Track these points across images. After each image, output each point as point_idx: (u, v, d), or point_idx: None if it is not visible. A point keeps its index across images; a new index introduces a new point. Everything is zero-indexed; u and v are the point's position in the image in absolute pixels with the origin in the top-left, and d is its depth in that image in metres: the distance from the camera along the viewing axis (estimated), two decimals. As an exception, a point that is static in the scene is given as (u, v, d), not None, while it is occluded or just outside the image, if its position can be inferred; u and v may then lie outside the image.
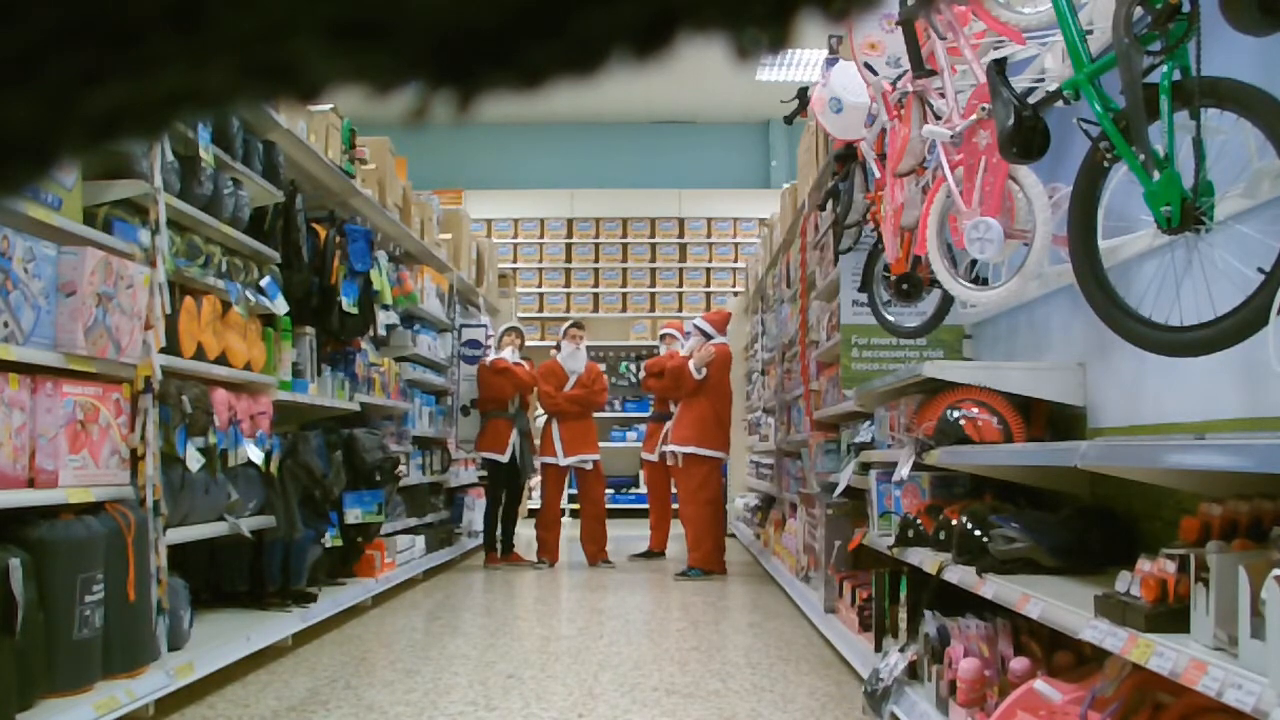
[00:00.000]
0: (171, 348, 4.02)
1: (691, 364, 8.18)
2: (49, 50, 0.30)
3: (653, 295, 14.22)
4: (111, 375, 3.55)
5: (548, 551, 8.48)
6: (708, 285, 14.24)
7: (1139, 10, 2.39)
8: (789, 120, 5.31)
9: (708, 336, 8.48)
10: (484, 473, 9.18)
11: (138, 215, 3.87)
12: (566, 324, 9.01)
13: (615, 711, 3.76)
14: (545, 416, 8.67)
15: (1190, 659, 1.82)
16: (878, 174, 4.28)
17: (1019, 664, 2.81)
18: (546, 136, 14.43)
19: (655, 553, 8.83)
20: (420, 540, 7.55)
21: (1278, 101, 2.21)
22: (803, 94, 5.06)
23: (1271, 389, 2.45)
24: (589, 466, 8.60)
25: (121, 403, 3.58)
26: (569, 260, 14.32)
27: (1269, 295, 2.18)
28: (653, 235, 14.33)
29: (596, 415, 8.96)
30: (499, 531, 8.59)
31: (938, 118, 3.58)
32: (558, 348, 8.82)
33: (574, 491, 9.20)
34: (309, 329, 5.64)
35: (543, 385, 8.57)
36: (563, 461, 8.53)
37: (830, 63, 4.51)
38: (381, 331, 6.86)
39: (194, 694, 3.88)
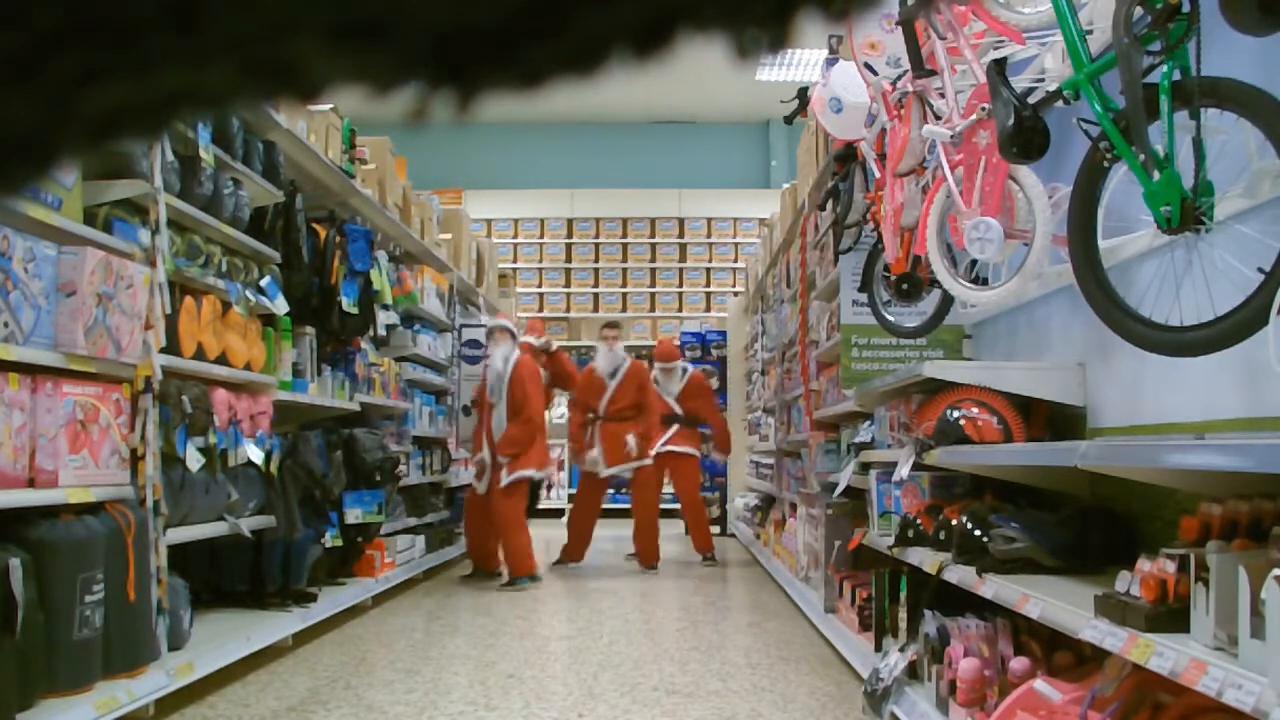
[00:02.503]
0: (171, 348, 4.02)
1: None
2: (49, 50, 0.30)
3: (653, 295, 14.22)
4: (111, 375, 3.55)
5: (571, 554, 8.21)
6: (708, 285, 14.25)
7: (1139, 10, 2.39)
8: (789, 120, 5.31)
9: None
10: None
11: (138, 215, 3.87)
12: (602, 324, 8.61)
13: (615, 711, 3.76)
14: (592, 418, 8.28)
15: (1190, 659, 1.82)
16: (878, 174, 4.28)
17: (1019, 664, 2.81)
18: (546, 136, 14.43)
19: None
20: (420, 540, 7.55)
21: (1278, 101, 2.21)
22: (803, 94, 5.06)
23: (1271, 389, 2.45)
24: (628, 475, 8.22)
25: (121, 403, 3.58)
26: (569, 260, 14.32)
27: (1269, 295, 2.18)
28: (653, 235, 14.34)
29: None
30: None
31: (938, 118, 3.58)
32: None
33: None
34: (309, 329, 5.63)
35: (575, 402, 8.18)
36: (603, 473, 8.18)
37: (830, 63, 4.51)
38: (381, 331, 6.86)
39: (194, 694, 3.88)
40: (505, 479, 7.42)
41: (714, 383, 11.26)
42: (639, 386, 8.23)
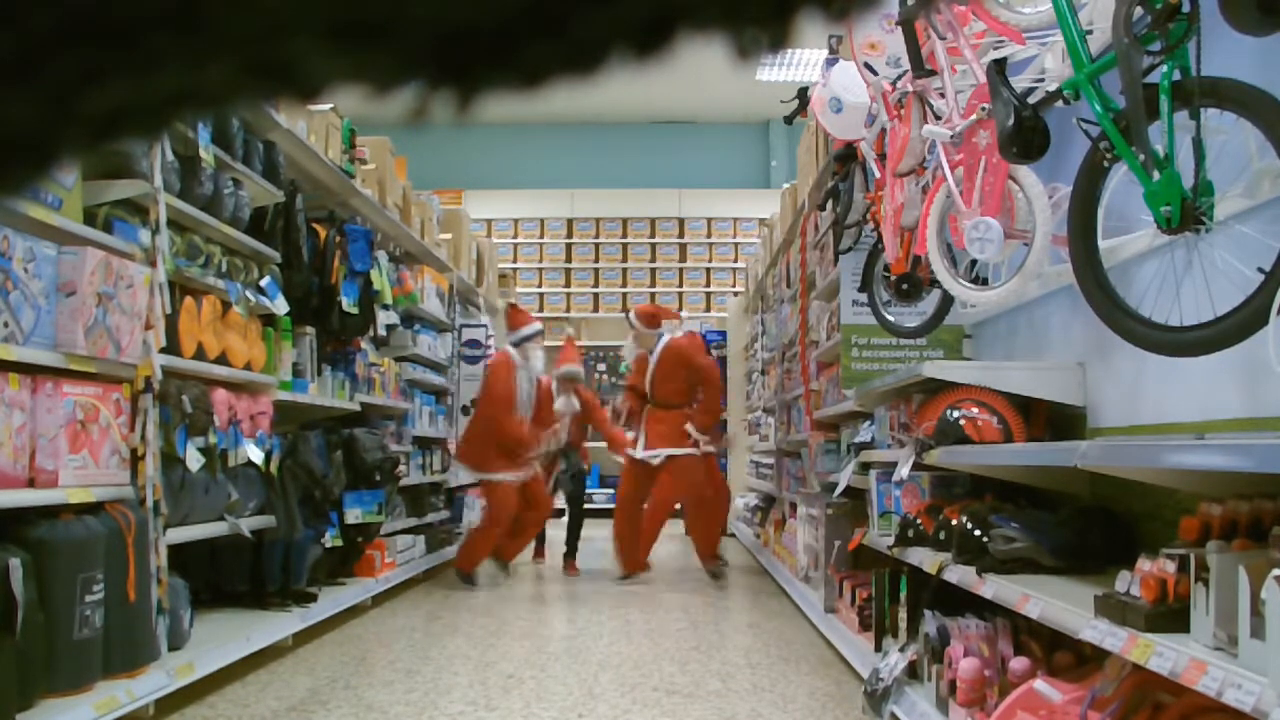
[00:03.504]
0: (171, 348, 4.02)
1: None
2: (49, 50, 0.30)
3: (653, 295, 14.21)
4: (111, 375, 3.55)
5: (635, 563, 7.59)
6: (708, 285, 14.25)
7: (1139, 10, 2.39)
8: (789, 120, 5.31)
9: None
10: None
11: (138, 215, 3.87)
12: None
13: (615, 711, 3.76)
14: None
15: (1190, 659, 1.82)
16: (878, 174, 4.28)
17: (1019, 664, 2.81)
18: (546, 136, 14.43)
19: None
20: (420, 540, 7.55)
21: (1278, 101, 2.21)
22: (803, 94, 5.06)
23: (1271, 389, 2.45)
24: (656, 461, 7.56)
25: (121, 403, 3.58)
26: (569, 260, 14.32)
27: (1269, 295, 2.18)
28: (653, 235, 14.34)
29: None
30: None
31: (938, 118, 3.57)
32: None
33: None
34: (309, 329, 5.63)
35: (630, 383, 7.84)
36: (639, 454, 7.58)
37: (830, 63, 4.51)
38: (381, 331, 6.85)
39: (194, 694, 3.88)
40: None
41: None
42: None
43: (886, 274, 4.25)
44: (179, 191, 4.14)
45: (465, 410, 9.37)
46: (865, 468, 4.60)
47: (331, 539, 5.62)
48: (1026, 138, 2.86)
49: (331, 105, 5.88)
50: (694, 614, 6.07)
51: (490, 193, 14.12)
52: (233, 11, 0.30)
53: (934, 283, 3.85)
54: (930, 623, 3.32)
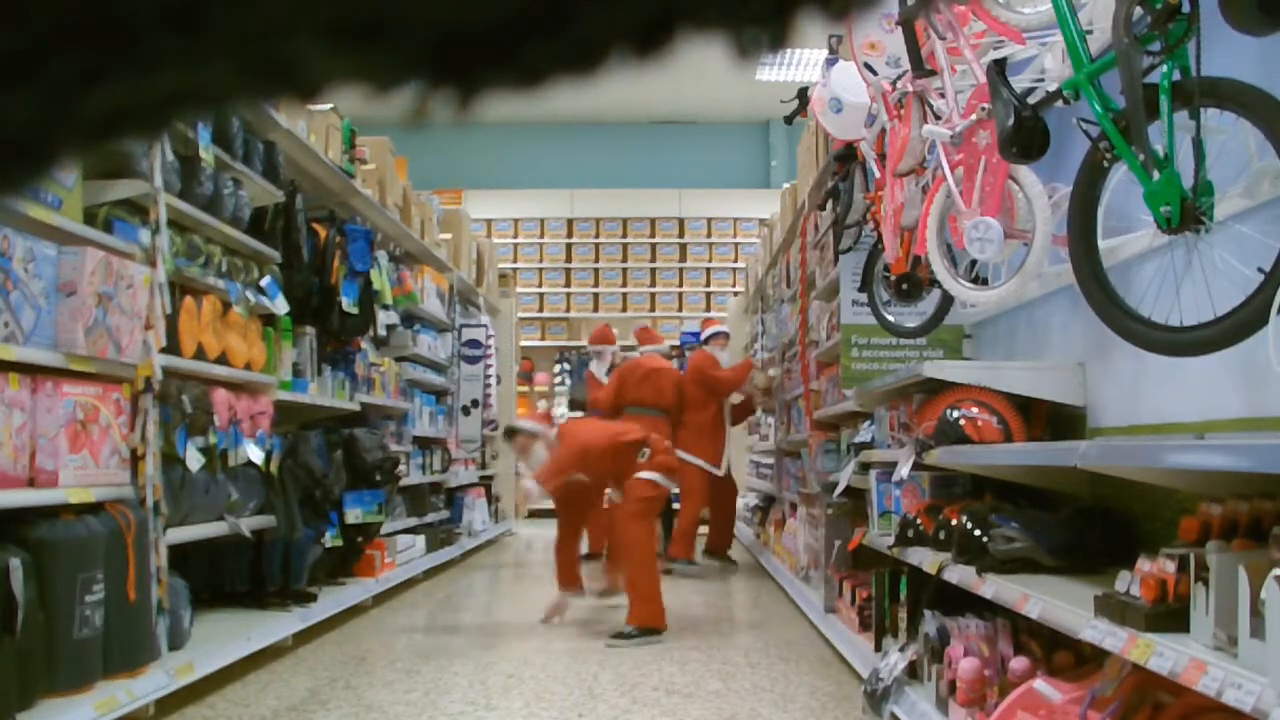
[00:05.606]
0: (171, 348, 4.02)
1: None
2: (49, 50, 0.30)
3: (653, 295, 14.22)
4: (111, 375, 3.55)
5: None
6: (708, 285, 14.24)
7: (1139, 10, 2.39)
8: (789, 120, 5.31)
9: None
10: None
11: (138, 215, 3.87)
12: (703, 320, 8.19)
13: (615, 711, 3.76)
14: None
15: (1190, 659, 1.82)
16: (878, 174, 4.28)
17: (1019, 664, 2.80)
18: (546, 136, 14.43)
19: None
20: (420, 540, 7.55)
21: (1278, 101, 2.21)
22: (803, 94, 5.06)
23: (1271, 389, 2.45)
24: (719, 472, 8.28)
25: (121, 403, 3.58)
26: (569, 260, 14.32)
27: (1269, 295, 2.18)
28: (653, 235, 14.33)
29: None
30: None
31: (938, 118, 3.57)
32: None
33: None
34: (309, 329, 5.64)
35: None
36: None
37: (830, 63, 4.51)
38: (381, 331, 6.86)
39: (194, 694, 3.88)
40: None
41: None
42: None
43: (886, 274, 4.25)
44: (179, 191, 4.14)
45: (465, 410, 9.36)
46: (865, 468, 4.60)
47: (331, 539, 5.62)
48: (1026, 138, 2.86)
49: (331, 105, 5.89)
50: (694, 614, 6.07)
51: (490, 193, 14.12)
52: (233, 11, 0.30)
53: (934, 283, 3.85)
54: (930, 623, 3.32)
